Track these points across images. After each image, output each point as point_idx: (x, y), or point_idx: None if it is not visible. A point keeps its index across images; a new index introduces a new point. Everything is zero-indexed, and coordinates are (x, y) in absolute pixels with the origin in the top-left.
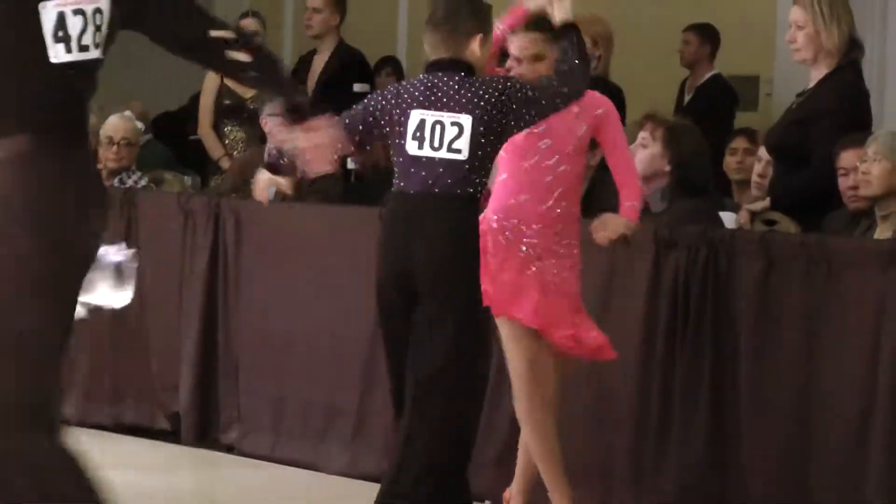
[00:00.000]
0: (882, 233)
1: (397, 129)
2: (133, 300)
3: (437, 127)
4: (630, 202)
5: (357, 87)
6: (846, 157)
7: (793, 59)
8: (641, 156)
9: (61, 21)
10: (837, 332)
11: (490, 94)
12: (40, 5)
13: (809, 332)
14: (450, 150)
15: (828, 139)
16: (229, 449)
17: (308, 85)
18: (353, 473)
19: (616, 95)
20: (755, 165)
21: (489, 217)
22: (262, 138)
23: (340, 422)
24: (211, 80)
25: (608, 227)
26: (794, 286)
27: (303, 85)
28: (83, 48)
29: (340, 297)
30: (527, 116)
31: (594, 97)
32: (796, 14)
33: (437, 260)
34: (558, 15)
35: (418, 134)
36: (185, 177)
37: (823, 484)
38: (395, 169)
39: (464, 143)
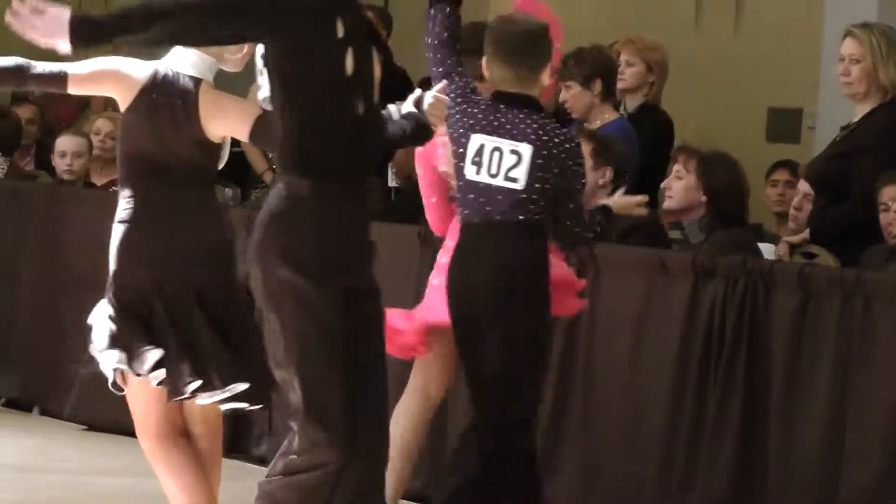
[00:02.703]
0: None
1: (458, 150)
2: None
3: (496, 154)
4: None
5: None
6: (887, 192)
7: (840, 93)
8: (677, 187)
9: None
10: (872, 368)
11: (552, 133)
12: None
13: (843, 367)
14: (507, 178)
15: (870, 173)
16: (261, 461)
17: None
18: None
19: (666, 124)
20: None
21: None
22: None
23: None
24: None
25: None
26: (831, 320)
27: None
28: None
29: None
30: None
31: None
32: (851, 47)
33: (499, 290)
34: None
35: (477, 159)
36: (226, 189)
37: None
38: (457, 194)
39: (521, 173)
